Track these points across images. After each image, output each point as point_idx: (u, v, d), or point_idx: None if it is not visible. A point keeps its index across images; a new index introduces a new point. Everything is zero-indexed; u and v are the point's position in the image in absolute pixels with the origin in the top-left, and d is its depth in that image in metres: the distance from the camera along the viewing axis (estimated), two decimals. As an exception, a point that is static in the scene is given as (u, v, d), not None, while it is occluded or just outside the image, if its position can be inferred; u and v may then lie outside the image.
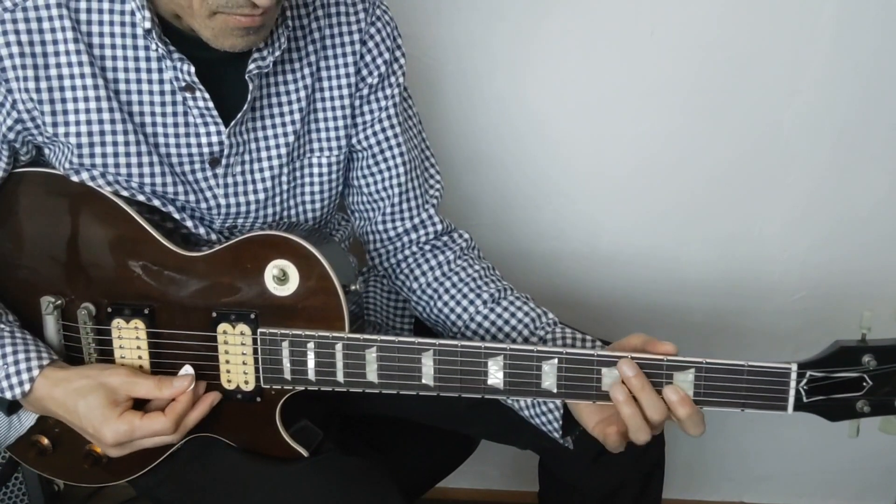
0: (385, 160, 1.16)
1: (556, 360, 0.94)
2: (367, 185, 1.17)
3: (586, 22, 1.50)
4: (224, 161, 1.05)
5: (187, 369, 1.02)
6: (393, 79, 1.14)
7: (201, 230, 1.07)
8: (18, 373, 0.98)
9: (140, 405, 1.00)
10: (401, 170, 1.16)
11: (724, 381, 0.92)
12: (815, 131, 1.55)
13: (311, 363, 0.99)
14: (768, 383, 0.91)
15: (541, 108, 1.57)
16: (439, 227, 1.20)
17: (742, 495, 1.90)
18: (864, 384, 0.90)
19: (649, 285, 1.67)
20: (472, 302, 1.14)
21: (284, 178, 1.10)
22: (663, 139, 1.57)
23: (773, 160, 1.58)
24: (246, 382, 1.03)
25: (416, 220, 1.19)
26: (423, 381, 0.97)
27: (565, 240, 1.66)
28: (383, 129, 1.15)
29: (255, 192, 1.09)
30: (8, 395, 0.99)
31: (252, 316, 1.00)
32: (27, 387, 0.98)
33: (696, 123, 1.56)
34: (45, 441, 1.09)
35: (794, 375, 0.90)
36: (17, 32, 0.96)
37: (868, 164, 1.57)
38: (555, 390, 0.96)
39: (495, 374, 0.96)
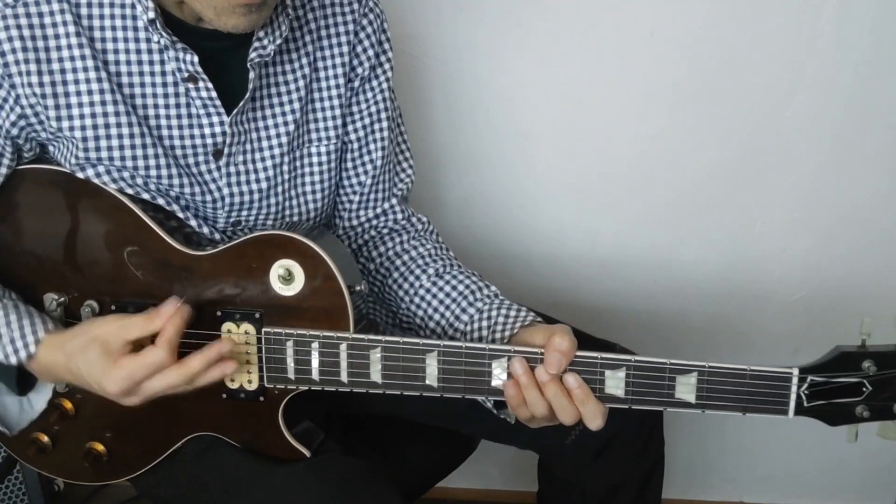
0: (368, 153, 1.17)
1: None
2: (349, 177, 1.18)
3: (587, 22, 1.50)
4: (226, 150, 1.05)
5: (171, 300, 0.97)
6: (380, 70, 1.15)
7: (205, 229, 1.07)
8: (23, 336, 0.99)
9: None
10: (378, 163, 1.18)
11: (726, 385, 0.92)
12: (814, 131, 1.55)
13: (315, 363, 0.99)
14: (770, 387, 0.92)
15: (540, 108, 1.57)
16: (399, 216, 1.22)
17: (742, 495, 1.90)
18: (864, 389, 0.91)
19: (649, 286, 1.67)
20: (417, 278, 1.15)
21: (285, 168, 1.11)
22: (662, 139, 1.57)
23: (773, 160, 1.58)
24: (249, 382, 1.03)
25: (378, 210, 1.21)
26: (427, 381, 0.97)
27: (564, 241, 1.66)
28: (371, 123, 1.16)
29: (258, 181, 1.09)
30: (13, 359, 0.99)
31: (257, 315, 1.00)
32: (32, 349, 0.99)
33: (694, 123, 1.56)
34: (45, 439, 1.09)
35: (795, 380, 0.91)
36: (18, 27, 0.96)
37: (868, 163, 1.57)
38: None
39: (499, 377, 0.96)
